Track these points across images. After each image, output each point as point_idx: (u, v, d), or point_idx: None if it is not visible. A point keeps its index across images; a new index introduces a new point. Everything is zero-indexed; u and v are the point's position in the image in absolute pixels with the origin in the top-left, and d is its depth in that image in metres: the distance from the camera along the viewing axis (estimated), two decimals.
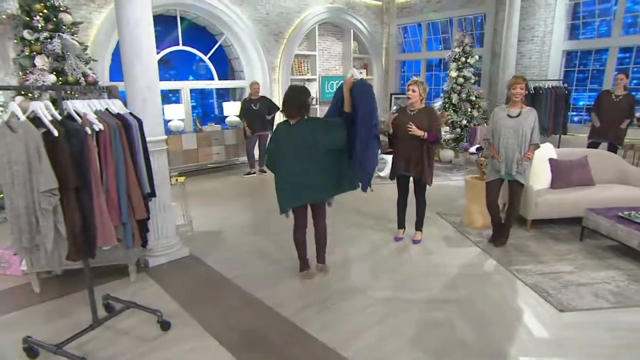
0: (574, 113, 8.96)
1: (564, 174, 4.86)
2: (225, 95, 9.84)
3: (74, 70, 4.07)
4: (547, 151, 5.01)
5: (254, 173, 8.09)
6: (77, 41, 4.25)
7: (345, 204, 5.76)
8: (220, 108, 9.21)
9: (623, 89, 6.38)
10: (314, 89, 10.43)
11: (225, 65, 9.66)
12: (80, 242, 2.20)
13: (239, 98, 9.13)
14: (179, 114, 8.03)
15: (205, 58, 8.87)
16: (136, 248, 2.76)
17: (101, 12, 6.76)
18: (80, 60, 4.22)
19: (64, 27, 4.19)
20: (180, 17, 8.26)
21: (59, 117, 2.18)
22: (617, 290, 3.40)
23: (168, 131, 7.95)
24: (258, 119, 7.76)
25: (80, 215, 2.19)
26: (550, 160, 4.93)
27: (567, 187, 4.82)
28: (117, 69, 6.85)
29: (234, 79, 9.61)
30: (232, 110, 8.66)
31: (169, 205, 4.17)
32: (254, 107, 7.76)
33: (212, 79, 9.10)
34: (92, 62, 4.54)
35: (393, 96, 11.39)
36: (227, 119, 8.82)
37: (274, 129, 4.04)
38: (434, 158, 4.27)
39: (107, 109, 2.49)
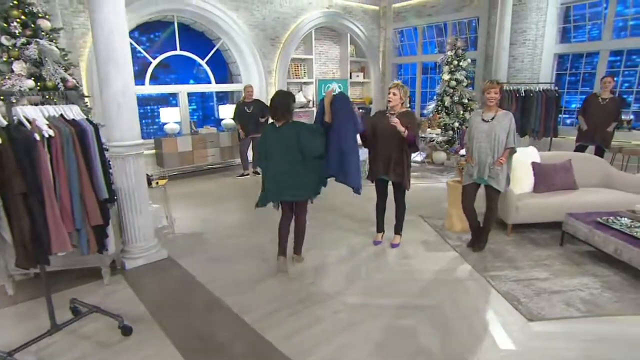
0: (566, 116, 8.86)
1: (547, 178, 4.79)
2: (224, 98, 9.91)
3: (52, 75, 4.12)
4: (530, 155, 4.96)
5: (247, 174, 8.15)
6: (56, 47, 4.29)
7: (333, 206, 5.77)
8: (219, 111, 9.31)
9: (610, 92, 6.32)
10: (310, 92, 10.50)
11: (224, 69, 9.74)
12: (30, 248, 2.21)
13: (236, 101, 9.20)
14: (174, 117, 8.09)
15: (203, 62, 8.93)
16: (92, 254, 2.75)
17: None
18: (60, 66, 4.27)
19: (42, 33, 4.25)
20: (169, 23, 8.31)
21: (5, 123, 2.20)
22: (590, 298, 3.34)
23: (164, 134, 8.04)
24: (251, 122, 7.81)
25: (30, 221, 2.20)
26: (533, 164, 4.86)
27: (549, 191, 4.75)
28: None
29: (233, 83, 9.67)
30: (227, 113, 8.73)
31: (147, 208, 4.19)
32: (247, 110, 7.82)
33: (210, 82, 9.16)
34: (72, 67, 4.57)
35: None
36: (223, 122, 8.88)
37: None
38: (410, 163, 4.24)
39: (61, 115, 2.51)
